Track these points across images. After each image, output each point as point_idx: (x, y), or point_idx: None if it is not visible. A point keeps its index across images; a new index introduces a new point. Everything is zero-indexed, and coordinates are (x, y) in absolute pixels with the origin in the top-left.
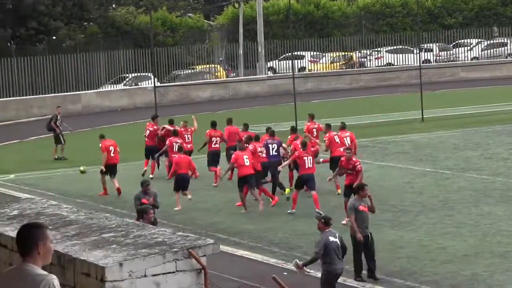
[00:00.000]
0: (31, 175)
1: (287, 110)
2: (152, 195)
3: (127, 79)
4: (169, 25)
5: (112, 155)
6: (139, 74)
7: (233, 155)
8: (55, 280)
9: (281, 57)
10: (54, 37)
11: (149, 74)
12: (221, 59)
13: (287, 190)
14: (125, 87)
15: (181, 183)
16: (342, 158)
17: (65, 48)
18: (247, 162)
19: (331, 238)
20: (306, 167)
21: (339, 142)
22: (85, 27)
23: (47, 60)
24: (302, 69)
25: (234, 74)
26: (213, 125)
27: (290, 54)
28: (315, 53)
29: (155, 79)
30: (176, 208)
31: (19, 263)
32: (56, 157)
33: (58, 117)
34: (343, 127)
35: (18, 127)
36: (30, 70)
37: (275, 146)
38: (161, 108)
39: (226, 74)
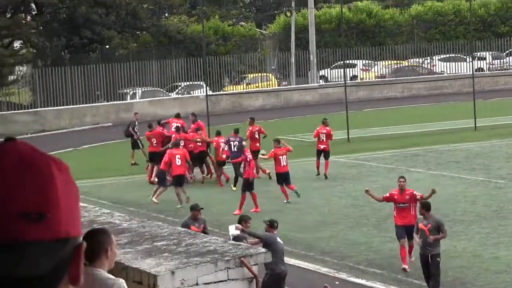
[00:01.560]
0: (84, 183)
1: (339, 119)
2: (202, 222)
3: (180, 88)
4: (221, 34)
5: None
6: (191, 82)
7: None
8: (124, 283)
9: (333, 65)
10: (107, 46)
11: (201, 83)
12: (273, 67)
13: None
14: (177, 96)
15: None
16: (394, 192)
17: (118, 57)
18: (178, 161)
19: (279, 240)
20: (282, 165)
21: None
22: (137, 36)
23: (100, 69)
24: (354, 77)
25: (286, 82)
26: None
27: (342, 62)
28: (367, 61)
29: (207, 88)
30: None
31: (88, 268)
32: (133, 162)
33: (136, 123)
34: (324, 123)
35: (72, 135)
36: (84, 78)
37: (236, 143)
38: (213, 117)
39: (278, 83)
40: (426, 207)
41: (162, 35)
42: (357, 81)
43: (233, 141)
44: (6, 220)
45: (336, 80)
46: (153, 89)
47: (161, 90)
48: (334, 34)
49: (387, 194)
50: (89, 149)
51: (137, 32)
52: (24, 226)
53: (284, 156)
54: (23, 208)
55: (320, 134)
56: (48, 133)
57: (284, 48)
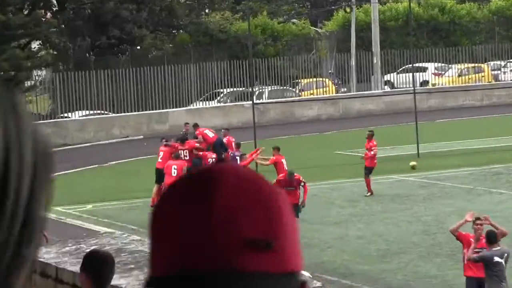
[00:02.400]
0: (111, 205)
1: (407, 131)
2: None
3: (222, 95)
4: (270, 33)
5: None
6: (235, 89)
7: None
8: None
9: (400, 69)
10: (138, 47)
11: (247, 89)
12: (330, 71)
13: None
14: (219, 104)
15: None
16: (470, 236)
17: (151, 59)
18: (174, 172)
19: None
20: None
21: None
22: (173, 35)
23: (130, 73)
24: (425, 83)
25: (345, 89)
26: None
27: (410, 65)
28: (439, 64)
29: (254, 95)
30: None
31: None
32: None
33: (187, 135)
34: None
35: (97, 149)
36: (111, 84)
37: (237, 158)
38: (260, 129)
39: (336, 89)
40: (489, 238)
41: (202, 34)
42: (428, 87)
43: (238, 156)
44: (229, 246)
45: (404, 86)
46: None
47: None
48: (401, 33)
49: (464, 233)
50: (117, 165)
51: (173, 31)
52: (248, 255)
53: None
54: (250, 234)
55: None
56: (70, 147)
57: (343, 49)
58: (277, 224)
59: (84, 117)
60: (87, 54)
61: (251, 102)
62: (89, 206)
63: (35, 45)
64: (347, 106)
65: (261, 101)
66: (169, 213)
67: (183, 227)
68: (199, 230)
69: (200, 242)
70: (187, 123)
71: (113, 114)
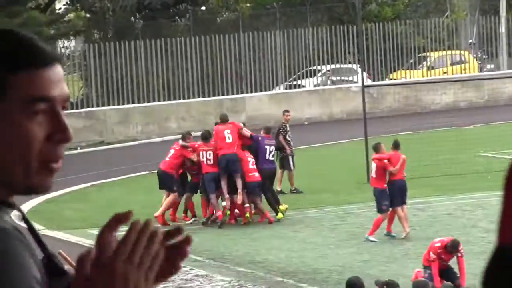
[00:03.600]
0: (167, 227)
1: None
2: None
3: (319, 75)
4: None
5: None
6: (338, 66)
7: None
8: None
9: None
10: (203, 8)
11: (354, 66)
12: (471, 41)
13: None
14: (315, 87)
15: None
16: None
17: (220, 24)
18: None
19: None
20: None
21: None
22: None
23: (191, 44)
24: None
25: (492, 65)
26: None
27: None
28: None
29: (364, 74)
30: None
31: None
32: (293, 188)
33: (288, 128)
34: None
35: (145, 149)
36: (165, 59)
37: (273, 148)
38: (373, 120)
39: (479, 67)
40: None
41: None
42: None
43: (269, 145)
44: None
45: None
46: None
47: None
48: None
49: None
50: None
51: None
52: None
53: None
54: None
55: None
56: (108, 146)
57: (489, 10)
58: None
59: (128, 106)
60: (132, 18)
61: (360, 84)
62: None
63: (60, 5)
64: (495, 90)
65: (374, 83)
66: None
67: None
68: None
69: None
70: (287, 111)
71: (168, 101)
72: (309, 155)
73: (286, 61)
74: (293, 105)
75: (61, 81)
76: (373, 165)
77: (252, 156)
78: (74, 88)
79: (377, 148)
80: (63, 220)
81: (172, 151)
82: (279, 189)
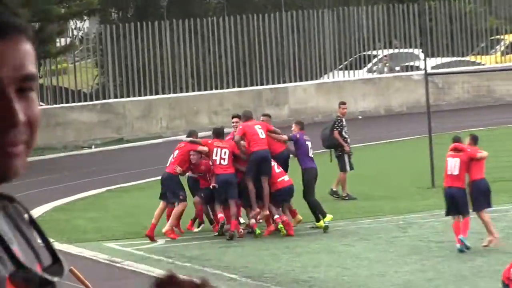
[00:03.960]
0: (194, 239)
1: None
2: None
3: (375, 61)
4: None
5: None
6: (397, 50)
7: None
8: None
9: None
10: None
11: (416, 51)
12: None
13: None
14: (370, 76)
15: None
16: None
17: (258, 3)
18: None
19: None
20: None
21: None
22: None
23: (225, 25)
24: None
25: None
26: None
27: None
28: None
29: (427, 61)
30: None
31: None
32: (345, 195)
33: (344, 122)
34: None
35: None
36: (195, 42)
37: (309, 143)
38: (438, 114)
39: None
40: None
41: None
42: None
43: (309, 141)
44: None
45: None
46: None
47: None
48: None
49: None
50: None
51: None
52: None
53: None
54: None
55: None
56: (128, 145)
57: None
58: None
59: (151, 97)
60: None
61: (423, 71)
62: (161, 242)
63: None
64: None
65: (439, 70)
66: None
67: None
68: None
69: None
70: (344, 104)
71: (198, 92)
72: (363, 155)
73: (336, 45)
74: (345, 96)
75: (17, 57)
76: (452, 161)
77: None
78: (88, 76)
79: (457, 140)
80: (75, 232)
81: (176, 152)
82: (334, 189)
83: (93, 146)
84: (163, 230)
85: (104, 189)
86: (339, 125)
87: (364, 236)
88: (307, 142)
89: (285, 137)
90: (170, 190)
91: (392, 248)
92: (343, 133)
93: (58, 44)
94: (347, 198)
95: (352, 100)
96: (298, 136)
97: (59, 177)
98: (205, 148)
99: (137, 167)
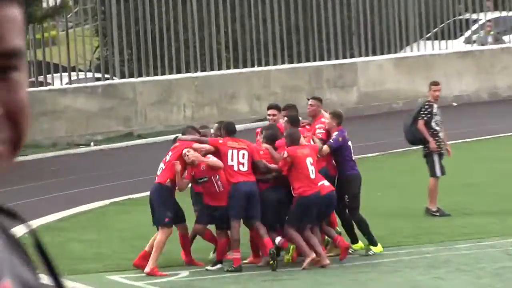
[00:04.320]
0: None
1: None
2: None
3: (475, 27)
4: None
5: None
6: (504, 14)
7: None
8: None
9: None
10: None
11: None
12: None
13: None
14: (470, 48)
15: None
16: None
17: None
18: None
19: None
20: None
21: None
22: None
23: None
24: None
25: None
26: None
27: None
28: None
29: None
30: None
31: None
32: (435, 209)
33: (435, 109)
34: None
35: None
36: (230, 5)
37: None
38: None
39: None
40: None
41: None
42: None
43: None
44: None
45: None
46: None
47: None
48: None
49: None
50: None
51: None
52: None
53: None
54: None
55: None
56: (139, 141)
57: None
58: None
59: (171, 77)
60: None
61: None
62: (184, 274)
63: None
64: None
65: None
66: None
67: None
68: None
69: None
70: (436, 84)
71: (235, 70)
72: (459, 155)
73: (420, 7)
74: (434, 75)
75: None
76: None
77: None
78: (85, 48)
79: None
80: (68, 259)
81: (169, 155)
82: (433, 209)
83: (92, 143)
84: (145, 271)
85: (107, 202)
86: (427, 112)
87: (460, 265)
88: (349, 143)
89: (325, 149)
90: (157, 208)
91: (499, 283)
92: (433, 123)
93: (44, 5)
94: (437, 214)
95: (444, 81)
96: (340, 139)
97: (47, 185)
98: (210, 147)
99: (151, 171)
